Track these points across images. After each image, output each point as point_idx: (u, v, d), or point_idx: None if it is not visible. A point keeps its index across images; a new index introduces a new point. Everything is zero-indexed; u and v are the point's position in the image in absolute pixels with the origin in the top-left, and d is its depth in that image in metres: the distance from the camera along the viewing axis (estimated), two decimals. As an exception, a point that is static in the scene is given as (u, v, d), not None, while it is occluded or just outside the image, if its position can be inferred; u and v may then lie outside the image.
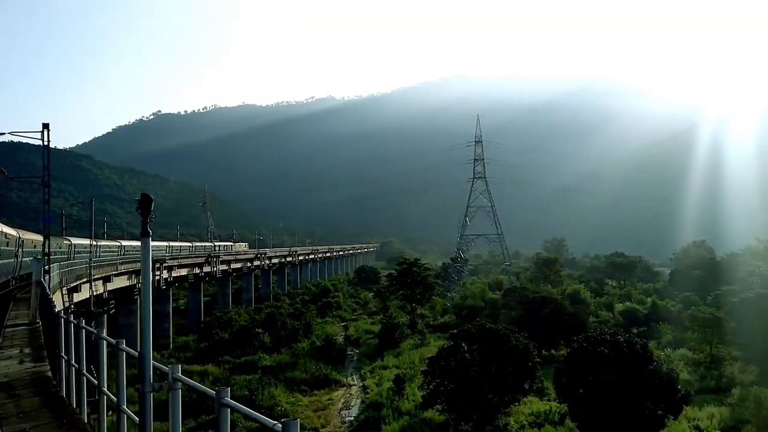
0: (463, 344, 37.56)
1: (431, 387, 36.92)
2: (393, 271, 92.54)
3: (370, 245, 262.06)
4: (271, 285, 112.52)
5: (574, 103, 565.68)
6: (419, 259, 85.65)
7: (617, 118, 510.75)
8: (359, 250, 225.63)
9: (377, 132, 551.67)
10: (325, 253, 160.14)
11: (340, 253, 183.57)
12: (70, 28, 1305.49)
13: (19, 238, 41.92)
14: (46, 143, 25.64)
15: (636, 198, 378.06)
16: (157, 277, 62.59)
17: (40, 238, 54.47)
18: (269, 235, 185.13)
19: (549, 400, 42.02)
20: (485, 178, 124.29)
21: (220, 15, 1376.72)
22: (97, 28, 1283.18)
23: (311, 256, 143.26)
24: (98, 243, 66.90)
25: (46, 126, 25.97)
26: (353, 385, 52.86)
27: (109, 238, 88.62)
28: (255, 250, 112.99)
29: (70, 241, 57.88)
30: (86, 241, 60.58)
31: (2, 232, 36.36)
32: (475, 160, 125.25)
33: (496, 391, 35.28)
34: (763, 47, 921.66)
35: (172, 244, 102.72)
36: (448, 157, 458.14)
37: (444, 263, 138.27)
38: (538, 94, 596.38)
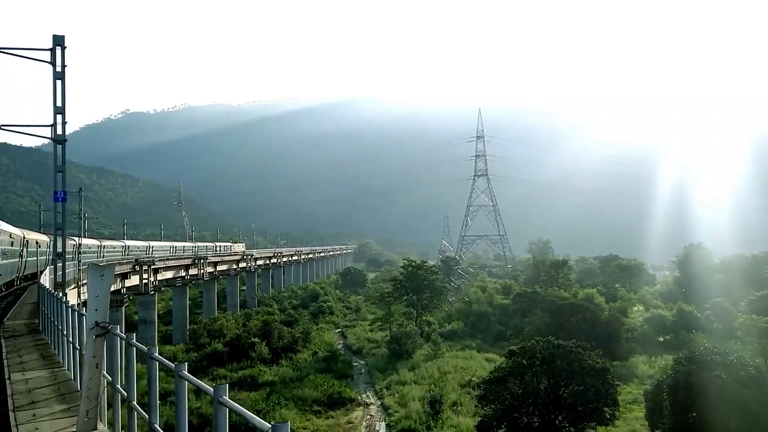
0: (524, 361, 31.87)
1: (489, 414, 31.13)
2: (378, 273, 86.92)
3: (348, 246, 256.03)
4: (256, 288, 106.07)
5: (542, 109, 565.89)
6: (426, 262, 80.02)
7: (587, 125, 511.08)
8: (339, 252, 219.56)
9: (351, 133, 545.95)
10: (308, 254, 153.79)
11: (321, 255, 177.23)
12: (35, 23, 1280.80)
13: (24, 237, 41.90)
14: (59, 69, 18.29)
15: (606, 201, 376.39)
16: (145, 281, 56.11)
17: (45, 238, 51.17)
18: (242, 237, 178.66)
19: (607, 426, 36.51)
20: (487, 175, 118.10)
21: (188, 13, 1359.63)
22: (64, 23, 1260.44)
23: (294, 258, 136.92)
24: (102, 243, 62.31)
25: (59, 41, 18.23)
26: (371, 403, 46.94)
27: (112, 238, 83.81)
28: (241, 251, 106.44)
29: (75, 240, 52.84)
30: (93, 241, 58.17)
31: (7, 231, 36.29)
32: (476, 156, 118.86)
33: (572, 421, 29.55)
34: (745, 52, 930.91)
35: (176, 244, 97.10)
36: (423, 159, 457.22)
37: (436, 265, 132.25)
38: (507, 97, 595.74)
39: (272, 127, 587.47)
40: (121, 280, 51.20)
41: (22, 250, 41.30)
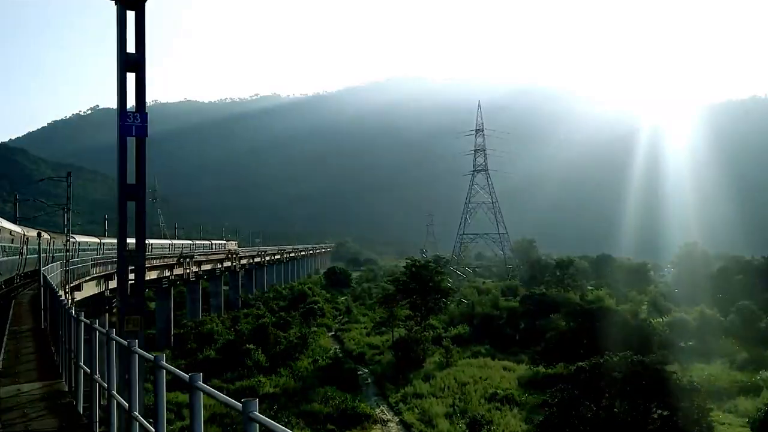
0: (582, 373, 27.14)
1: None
2: (361, 273, 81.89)
3: (327, 245, 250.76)
4: (240, 288, 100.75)
5: (517, 106, 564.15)
6: (431, 262, 74.95)
7: (560, 122, 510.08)
8: (318, 251, 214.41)
9: (324, 131, 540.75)
10: (289, 253, 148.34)
11: (302, 253, 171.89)
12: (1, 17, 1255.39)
13: (24, 235, 42.24)
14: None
15: (578, 200, 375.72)
16: (131, 282, 50.61)
17: (45, 235, 49.96)
18: (225, 234, 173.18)
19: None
20: (487, 170, 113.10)
21: (157, 9, 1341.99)
22: (29, 17, 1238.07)
23: (277, 257, 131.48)
24: (102, 240, 58.93)
25: None
26: (388, 420, 41.93)
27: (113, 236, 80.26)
28: (226, 250, 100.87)
29: (75, 238, 52.75)
30: (93, 239, 58.08)
31: (7, 229, 36.46)
32: (475, 150, 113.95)
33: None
34: (697, 59, 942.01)
35: (175, 242, 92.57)
36: (397, 158, 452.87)
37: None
38: (483, 95, 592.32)
39: (245, 125, 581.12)
40: (104, 282, 45.92)
41: (22, 248, 41.47)
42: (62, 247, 43.15)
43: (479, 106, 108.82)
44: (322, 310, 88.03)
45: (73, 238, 51.14)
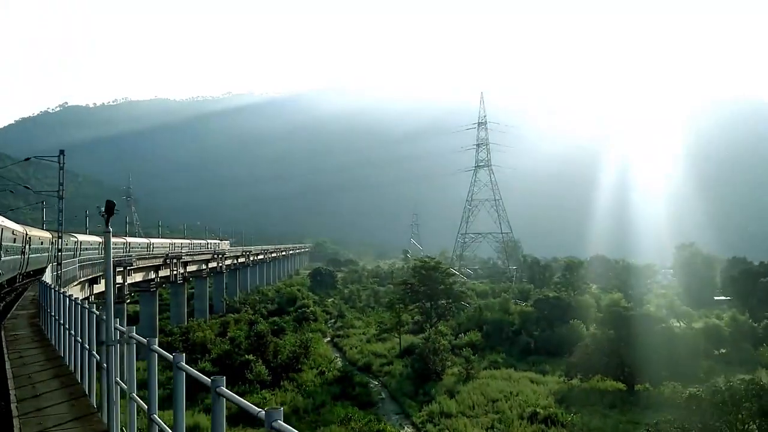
0: (695, 401, 22.05)
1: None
2: (345, 274, 76.48)
3: (305, 245, 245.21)
4: (224, 291, 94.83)
5: (496, 106, 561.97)
6: (440, 263, 69.54)
7: (532, 125, 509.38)
8: (298, 251, 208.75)
9: (299, 130, 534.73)
10: (272, 253, 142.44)
11: (283, 253, 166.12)
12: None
13: (26, 234, 41.55)
14: None
15: (552, 201, 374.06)
16: (118, 285, 45.30)
17: (47, 234, 48.51)
18: (189, 234, 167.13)
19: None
20: (490, 166, 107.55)
21: (127, 4, 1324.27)
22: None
23: (260, 257, 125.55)
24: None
25: None
26: (420, 445, 36.70)
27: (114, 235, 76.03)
28: (212, 250, 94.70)
29: (76, 237, 50.46)
30: (94, 238, 56.32)
31: (8, 228, 35.72)
32: (477, 145, 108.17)
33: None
34: (668, 65, 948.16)
35: (174, 241, 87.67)
36: (375, 158, 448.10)
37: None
38: (458, 96, 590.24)
39: (217, 123, 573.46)
40: (89, 286, 40.26)
41: (24, 247, 40.49)
42: (71, 246, 41.76)
43: (482, 98, 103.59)
44: (315, 315, 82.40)
45: (74, 237, 46.42)
